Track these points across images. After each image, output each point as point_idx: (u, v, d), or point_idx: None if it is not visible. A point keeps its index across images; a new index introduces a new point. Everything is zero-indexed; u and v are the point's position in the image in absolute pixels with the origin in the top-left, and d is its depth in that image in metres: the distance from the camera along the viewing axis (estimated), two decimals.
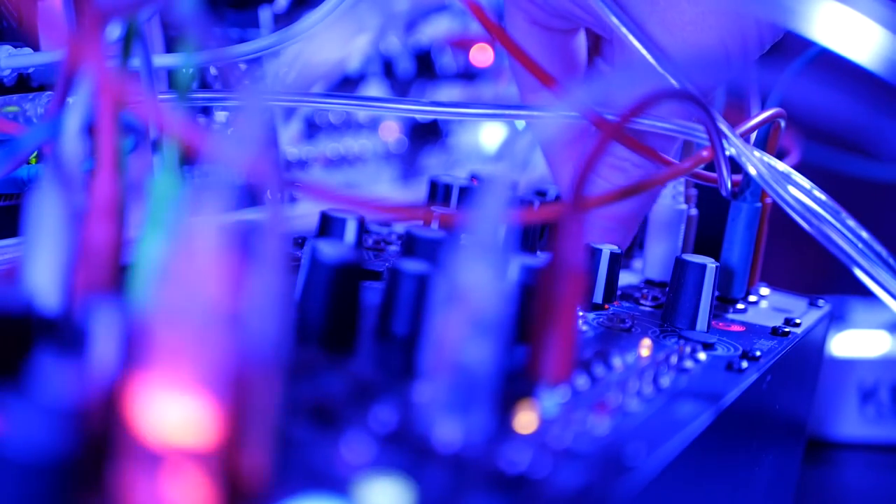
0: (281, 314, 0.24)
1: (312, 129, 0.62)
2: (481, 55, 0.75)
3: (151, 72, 0.37)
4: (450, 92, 0.73)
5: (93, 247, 0.30)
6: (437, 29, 0.72)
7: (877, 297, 0.41)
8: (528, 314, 0.32)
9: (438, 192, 0.50)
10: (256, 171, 0.25)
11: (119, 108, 0.30)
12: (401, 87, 0.69)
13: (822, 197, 0.42)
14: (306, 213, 0.45)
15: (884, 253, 0.41)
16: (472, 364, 0.27)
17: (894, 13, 0.31)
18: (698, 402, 0.34)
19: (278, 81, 0.41)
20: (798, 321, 0.45)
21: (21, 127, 0.40)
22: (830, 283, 0.67)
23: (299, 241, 0.43)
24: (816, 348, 0.50)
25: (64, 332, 0.27)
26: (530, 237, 0.44)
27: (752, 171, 0.42)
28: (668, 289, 0.43)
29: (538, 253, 0.44)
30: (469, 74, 0.75)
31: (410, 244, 0.38)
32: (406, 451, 0.27)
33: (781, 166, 0.43)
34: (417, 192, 0.68)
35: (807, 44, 0.34)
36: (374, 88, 0.66)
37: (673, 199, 0.49)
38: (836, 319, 0.63)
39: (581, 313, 0.41)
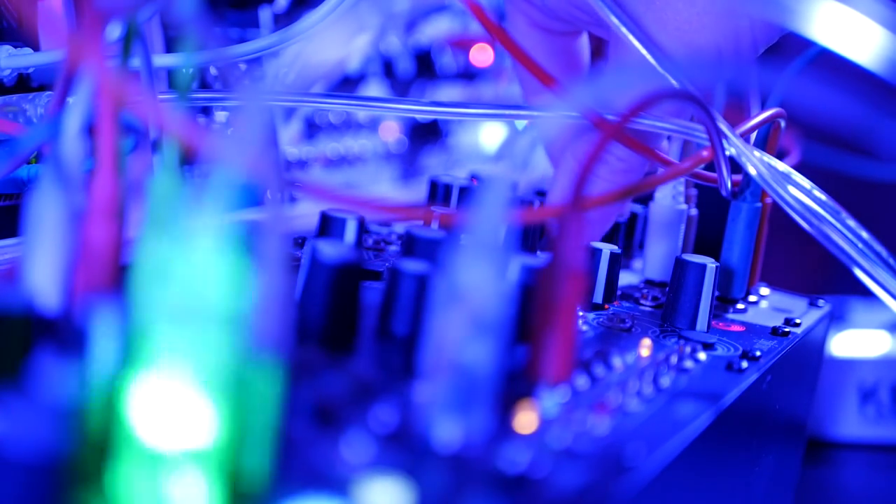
0: (281, 314, 0.24)
1: (312, 129, 0.62)
2: (481, 55, 0.75)
3: (151, 72, 0.37)
4: (450, 92, 0.73)
5: (93, 247, 0.30)
6: (437, 29, 0.72)
7: (877, 297, 0.41)
8: (528, 314, 0.32)
9: (438, 192, 0.50)
10: (256, 171, 0.25)
11: (119, 108, 0.30)
12: (401, 87, 0.69)
13: (822, 197, 0.42)
14: (306, 213, 0.45)
15: (884, 253, 0.41)
16: (472, 364, 0.27)
17: (894, 13, 0.31)
18: (698, 402, 0.34)
19: (278, 81, 0.41)
20: (798, 321, 0.45)
21: (21, 127, 0.40)
22: (830, 283, 0.67)
23: (299, 241, 0.43)
24: (816, 348, 0.50)
25: (64, 332, 0.28)
26: (530, 237, 0.44)
27: (752, 171, 0.42)
28: (668, 289, 0.43)
29: (538, 253, 0.44)
30: (469, 74, 0.75)
31: (410, 244, 0.38)
32: (406, 451, 0.27)
33: (781, 166, 0.43)
34: (417, 192, 0.68)
35: (807, 44, 0.34)
36: (374, 88, 0.66)
37: (673, 199, 0.49)
38: (836, 319, 0.63)
39: (581, 313, 0.41)
